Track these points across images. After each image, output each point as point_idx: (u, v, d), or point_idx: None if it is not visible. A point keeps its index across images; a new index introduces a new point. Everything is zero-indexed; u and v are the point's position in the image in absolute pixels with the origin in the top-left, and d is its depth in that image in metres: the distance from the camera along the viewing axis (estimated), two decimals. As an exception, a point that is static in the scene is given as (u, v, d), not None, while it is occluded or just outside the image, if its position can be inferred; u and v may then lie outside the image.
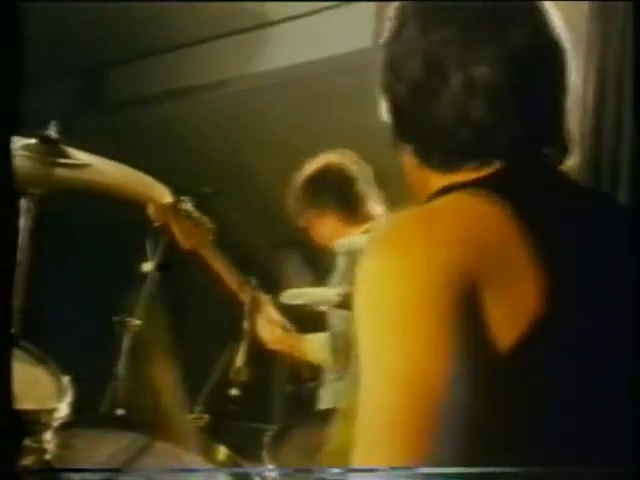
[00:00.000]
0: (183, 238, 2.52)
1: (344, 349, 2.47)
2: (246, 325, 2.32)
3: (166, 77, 4.56)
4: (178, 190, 2.54)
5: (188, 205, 2.56)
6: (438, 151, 1.11)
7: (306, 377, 2.71)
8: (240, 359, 2.23)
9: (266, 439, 1.96)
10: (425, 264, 0.96)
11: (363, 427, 0.95)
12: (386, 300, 0.97)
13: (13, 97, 1.19)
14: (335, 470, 1.04)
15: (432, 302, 0.95)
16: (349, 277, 2.56)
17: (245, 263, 2.75)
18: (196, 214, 2.55)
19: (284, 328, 2.70)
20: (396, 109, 1.13)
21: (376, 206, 2.81)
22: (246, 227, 4.03)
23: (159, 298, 2.55)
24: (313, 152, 3.01)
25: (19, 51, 1.20)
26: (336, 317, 2.63)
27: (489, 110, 1.06)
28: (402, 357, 0.94)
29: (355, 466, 0.96)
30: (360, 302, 0.99)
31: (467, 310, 0.95)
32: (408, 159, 1.15)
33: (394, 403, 0.93)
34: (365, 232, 2.68)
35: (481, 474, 0.95)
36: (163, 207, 2.46)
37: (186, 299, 4.07)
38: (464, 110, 1.06)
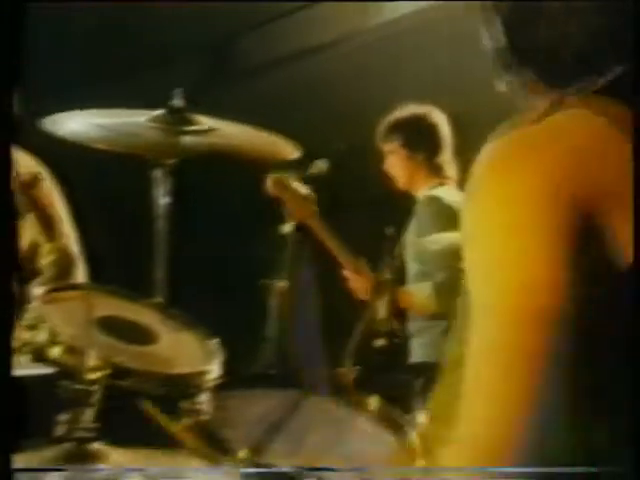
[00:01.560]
0: (292, 209, 2.68)
1: (447, 295, 2.52)
2: (385, 277, 2.33)
3: (294, 38, 4.58)
4: (312, 149, 2.55)
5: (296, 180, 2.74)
6: (544, 70, 1.08)
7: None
8: (382, 310, 2.23)
9: (416, 389, 1.95)
10: (539, 184, 0.94)
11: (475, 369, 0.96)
12: (497, 219, 0.95)
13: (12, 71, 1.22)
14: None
15: (546, 221, 0.92)
16: (430, 224, 2.59)
17: (381, 216, 2.76)
18: (303, 188, 2.70)
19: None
20: (500, 30, 1.10)
21: (452, 163, 2.99)
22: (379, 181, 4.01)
23: (302, 257, 2.58)
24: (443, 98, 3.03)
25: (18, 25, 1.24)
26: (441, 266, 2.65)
27: (591, 30, 1.03)
28: (515, 269, 0.93)
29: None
30: (470, 222, 0.98)
31: (583, 233, 0.92)
32: (516, 82, 1.12)
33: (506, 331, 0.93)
34: (441, 185, 2.85)
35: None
36: (277, 181, 2.66)
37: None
38: (566, 29, 1.04)
